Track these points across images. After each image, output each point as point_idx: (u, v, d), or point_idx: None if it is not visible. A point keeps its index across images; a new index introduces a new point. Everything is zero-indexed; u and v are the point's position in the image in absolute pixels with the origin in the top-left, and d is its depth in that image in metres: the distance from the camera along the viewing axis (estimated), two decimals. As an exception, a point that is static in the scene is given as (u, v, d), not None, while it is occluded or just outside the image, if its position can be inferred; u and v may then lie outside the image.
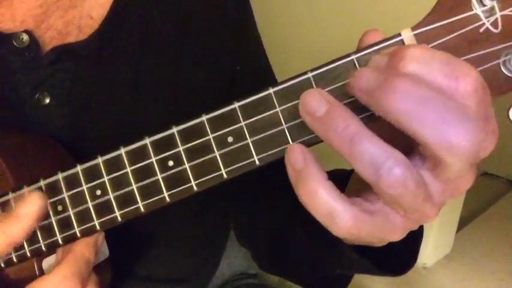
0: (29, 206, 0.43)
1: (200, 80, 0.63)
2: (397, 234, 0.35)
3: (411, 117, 0.29)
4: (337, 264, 0.54)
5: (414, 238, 0.51)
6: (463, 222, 1.66)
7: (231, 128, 0.38)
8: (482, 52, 0.33)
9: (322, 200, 0.33)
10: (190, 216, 0.68)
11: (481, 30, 0.32)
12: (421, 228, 0.51)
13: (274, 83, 0.72)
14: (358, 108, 0.34)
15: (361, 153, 0.31)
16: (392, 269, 0.50)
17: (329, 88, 0.35)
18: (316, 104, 0.33)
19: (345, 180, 0.44)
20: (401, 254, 0.50)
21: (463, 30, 0.33)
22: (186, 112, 0.61)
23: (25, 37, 0.54)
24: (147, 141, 0.40)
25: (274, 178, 0.51)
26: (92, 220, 0.43)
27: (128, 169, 0.41)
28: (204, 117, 0.38)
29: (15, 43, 0.54)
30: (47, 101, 0.55)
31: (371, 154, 0.30)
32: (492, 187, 1.98)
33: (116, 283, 0.55)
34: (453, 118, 0.29)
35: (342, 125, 0.31)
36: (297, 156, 0.34)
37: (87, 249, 0.45)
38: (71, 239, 0.44)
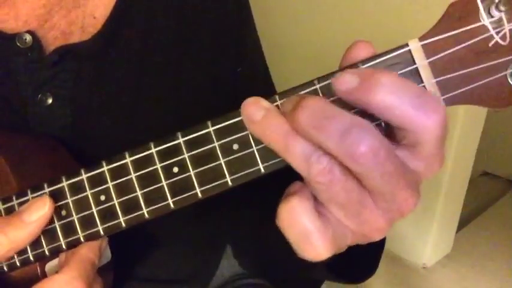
0: (36, 212, 0.43)
1: (202, 80, 0.63)
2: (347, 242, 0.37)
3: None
4: (297, 267, 0.55)
5: (375, 247, 0.51)
6: (463, 222, 1.66)
7: (237, 135, 0.38)
8: (490, 64, 0.33)
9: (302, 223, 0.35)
10: (191, 217, 0.68)
11: (491, 44, 0.32)
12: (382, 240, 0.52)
13: (271, 87, 0.72)
14: (366, 117, 0.34)
15: (294, 146, 0.33)
16: (350, 275, 0.50)
17: (335, 97, 0.35)
18: (254, 110, 0.36)
19: None
20: (361, 263, 0.51)
21: (470, 42, 0.33)
22: (188, 112, 0.61)
23: (28, 37, 0.54)
24: (152, 147, 0.40)
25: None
26: (96, 226, 0.43)
27: (133, 175, 0.41)
28: (210, 125, 0.38)
29: (18, 43, 0.54)
30: (50, 101, 0.55)
31: (303, 147, 0.33)
32: (492, 187, 1.99)
33: (117, 285, 0.55)
34: (358, 130, 0.31)
35: (276, 124, 0.34)
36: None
37: (92, 252, 0.45)
38: (74, 244, 0.44)
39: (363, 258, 0.50)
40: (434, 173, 0.35)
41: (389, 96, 0.32)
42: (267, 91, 0.72)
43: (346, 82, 0.34)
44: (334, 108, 0.32)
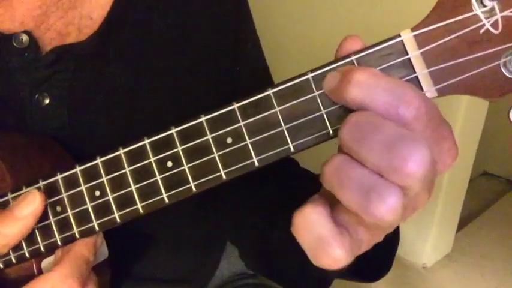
0: (27, 207, 0.43)
1: (200, 80, 0.63)
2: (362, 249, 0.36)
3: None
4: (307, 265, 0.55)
5: (390, 245, 0.51)
6: (463, 222, 1.66)
7: (230, 128, 0.38)
8: (482, 53, 0.33)
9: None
10: (190, 216, 0.68)
11: (481, 31, 0.32)
12: (397, 235, 0.52)
13: (271, 84, 0.72)
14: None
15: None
16: (366, 274, 0.50)
17: None
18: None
19: None
20: (376, 260, 0.51)
21: (463, 31, 0.33)
22: (185, 112, 0.61)
23: (25, 37, 0.54)
24: (146, 141, 0.40)
25: (262, 177, 0.52)
26: (91, 221, 0.43)
27: (127, 170, 0.41)
28: (203, 118, 0.38)
29: (14, 43, 0.54)
30: (47, 101, 0.55)
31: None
32: (492, 187, 1.99)
33: (115, 284, 0.55)
34: (405, 144, 0.29)
35: None
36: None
37: (86, 249, 0.45)
38: (69, 240, 0.44)
39: (378, 256, 0.50)
40: (448, 166, 0.34)
41: (361, 93, 0.32)
42: None
43: (329, 79, 0.34)
44: (377, 119, 0.31)
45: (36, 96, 0.55)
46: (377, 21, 1.22)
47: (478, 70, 0.33)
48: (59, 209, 0.44)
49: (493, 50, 0.32)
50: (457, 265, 1.53)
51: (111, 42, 0.58)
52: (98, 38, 0.57)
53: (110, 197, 0.42)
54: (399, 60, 0.34)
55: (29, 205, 0.43)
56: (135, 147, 0.40)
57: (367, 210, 0.30)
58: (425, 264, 1.51)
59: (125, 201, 0.41)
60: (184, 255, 0.71)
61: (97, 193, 0.42)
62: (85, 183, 0.42)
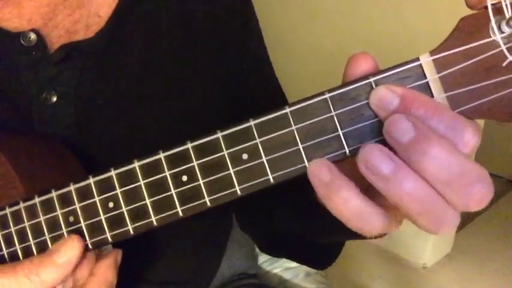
0: (68, 253, 0.43)
1: (206, 77, 0.63)
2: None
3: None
4: (320, 230, 0.56)
5: None
6: (463, 222, 1.67)
7: (246, 145, 0.38)
8: (499, 79, 0.33)
9: (356, 206, 0.36)
10: (190, 217, 0.68)
11: (504, 64, 0.32)
12: None
13: (275, 81, 0.72)
14: (375, 131, 0.35)
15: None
16: None
17: (345, 109, 0.36)
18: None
19: None
20: None
21: (481, 57, 0.33)
22: (191, 110, 0.61)
23: (32, 36, 0.54)
24: (161, 155, 0.40)
25: None
26: (104, 232, 0.43)
27: (141, 182, 0.41)
28: (219, 134, 0.38)
29: (22, 42, 0.54)
30: (54, 99, 0.55)
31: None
32: (492, 187, 1.99)
33: (116, 285, 0.55)
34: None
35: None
36: (321, 170, 0.36)
37: (109, 272, 0.45)
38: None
39: None
40: None
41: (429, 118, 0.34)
42: (276, 96, 0.72)
43: (384, 99, 0.35)
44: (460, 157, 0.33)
45: (44, 94, 0.55)
46: (385, 30, 1.22)
47: (495, 96, 0.33)
48: (71, 219, 0.44)
49: (510, 76, 0.33)
50: (457, 265, 1.53)
51: (118, 39, 0.58)
52: (105, 35, 0.57)
53: (124, 209, 0.42)
54: (417, 83, 0.35)
55: (69, 252, 0.43)
56: (150, 161, 0.41)
57: (437, 231, 0.35)
58: (425, 264, 1.51)
59: (138, 213, 0.41)
60: (185, 256, 0.71)
61: (111, 205, 0.42)
62: (99, 194, 0.43)
